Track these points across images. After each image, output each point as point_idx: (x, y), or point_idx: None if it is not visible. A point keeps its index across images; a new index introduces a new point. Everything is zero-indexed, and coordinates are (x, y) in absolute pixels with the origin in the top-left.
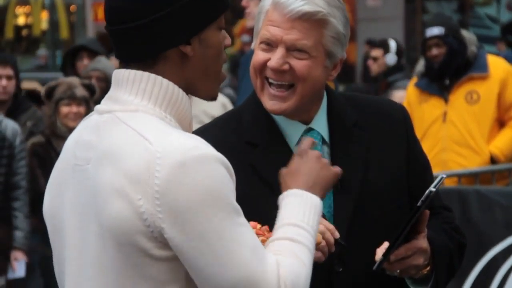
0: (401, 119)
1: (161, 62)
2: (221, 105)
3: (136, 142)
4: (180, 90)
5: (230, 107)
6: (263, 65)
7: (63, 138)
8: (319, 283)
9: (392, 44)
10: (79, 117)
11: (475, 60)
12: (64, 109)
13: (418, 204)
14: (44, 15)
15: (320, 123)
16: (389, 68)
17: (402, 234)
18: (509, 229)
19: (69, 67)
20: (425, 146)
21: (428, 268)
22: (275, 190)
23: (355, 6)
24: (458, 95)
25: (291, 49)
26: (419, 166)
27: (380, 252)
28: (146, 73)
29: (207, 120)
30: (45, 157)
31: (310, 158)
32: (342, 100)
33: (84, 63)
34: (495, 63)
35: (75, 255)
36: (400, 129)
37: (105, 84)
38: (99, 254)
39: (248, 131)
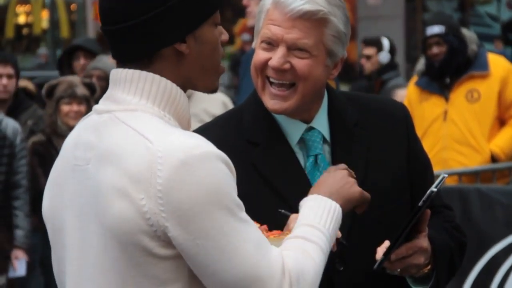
0: (402, 118)
1: (157, 61)
2: (221, 103)
3: (137, 141)
4: (178, 88)
5: (230, 105)
6: (264, 64)
7: (64, 136)
8: (321, 282)
9: (385, 42)
10: (80, 115)
11: (475, 59)
12: (65, 108)
13: (420, 204)
14: (45, 14)
15: (321, 122)
16: (383, 66)
17: (403, 233)
18: (510, 228)
19: (65, 67)
20: (426, 145)
21: (429, 267)
22: (275, 189)
23: (355, 4)
24: (459, 94)
25: (292, 48)
26: (420, 165)
27: (381, 251)
28: (144, 72)
29: (207, 119)
30: (45, 155)
31: (337, 173)
32: (343, 99)
33: (81, 62)
34: (496, 61)
35: (75, 255)
36: (401, 128)
37: (106, 83)
38: (100, 254)
39: (249, 130)
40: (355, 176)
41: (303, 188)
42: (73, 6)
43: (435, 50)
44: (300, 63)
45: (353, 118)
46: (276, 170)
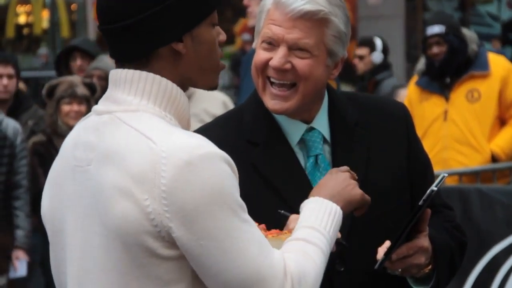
0: (402, 117)
1: (154, 60)
2: (222, 103)
3: (140, 142)
4: (178, 88)
5: (231, 105)
6: (265, 64)
7: (64, 136)
8: (321, 283)
9: (378, 43)
10: (80, 115)
11: (476, 58)
12: (65, 108)
13: (420, 203)
14: (45, 14)
15: (321, 122)
16: (376, 67)
17: (403, 233)
18: (510, 228)
19: (63, 68)
20: (426, 145)
21: (430, 267)
22: (276, 189)
23: (356, 4)
24: (459, 94)
25: (293, 48)
26: (420, 164)
27: (381, 251)
28: (144, 73)
29: (208, 119)
30: (46, 156)
31: (339, 175)
32: (343, 99)
33: (77, 63)
34: (496, 61)
35: (77, 256)
36: (401, 128)
37: (106, 83)
38: (103, 255)
39: (249, 130)
40: (357, 178)
41: (304, 188)
42: (73, 6)
43: (435, 49)
44: (301, 63)
45: (353, 118)
46: (277, 170)
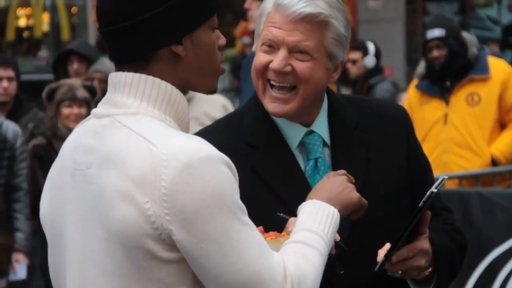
0: (401, 120)
1: (154, 63)
2: (222, 106)
3: (140, 145)
4: (178, 91)
5: (231, 108)
6: (265, 67)
7: (64, 139)
8: (321, 286)
9: (371, 47)
10: (80, 118)
11: (476, 62)
12: (65, 111)
13: (420, 205)
14: (45, 17)
15: (321, 125)
16: (369, 71)
17: (403, 235)
18: (510, 231)
19: (61, 71)
20: (426, 148)
21: (430, 269)
22: (276, 192)
23: (356, 7)
24: (459, 97)
25: (293, 50)
26: (419, 167)
27: (382, 253)
28: (143, 76)
29: (208, 122)
30: (46, 158)
31: (336, 179)
32: (342, 102)
33: (74, 67)
34: (496, 64)
35: (77, 259)
36: (401, 131)
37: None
38: (104, 258)
39: (249, 134)
40: (354, 181)
41: (303, 191)
42: (73, 9)
43: (435, 53)
44: (301, 66)
45: (353, 121)
46: (276, 173)
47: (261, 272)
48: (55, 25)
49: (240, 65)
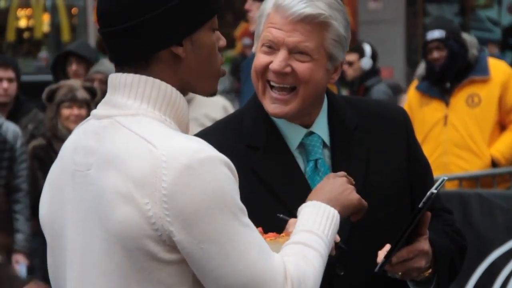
0: (401, 121)
1: (154, 64)
2: (222, 108)
3: (140, 146)
4: (178, 92)
5: (231, 110)
6: (265, 68)
7: (64, 140)
8: (321, 287)
9: (367, 48)
10: (80, 119)
11: (476, 63)
12: (65, 112)
13: (420, 205)
14: (46, 18)
15: (321, 126)
16: (365, 73)
17: (403, 236)
18: (510, 233)
19: (60, 72)
20: (426, 149)
21: (430, 270)
22: (275, 193)
23: (356, 9)
24: (459, 98)
25: (293, 51)
26: (419, 168)
27: (382, 254)
28: (143, 77)
29: (208, 123)
30: (46, 159)
31: (336, 180)
32: (342, 103)
33: (73, 68)
34: (496, 66)
35: (77, 260)
36: (401, 132)
37: None
38: (104, 259)
39: (249, 135)
40: (354, 183)
41: (303, 192)
42: (74, 10)
43: (435, 54)
44: (301, 67)
45: (352, 122)
46: (276, 174)
47: (262, 273)
48: (55, 26)
49: (240, 66)
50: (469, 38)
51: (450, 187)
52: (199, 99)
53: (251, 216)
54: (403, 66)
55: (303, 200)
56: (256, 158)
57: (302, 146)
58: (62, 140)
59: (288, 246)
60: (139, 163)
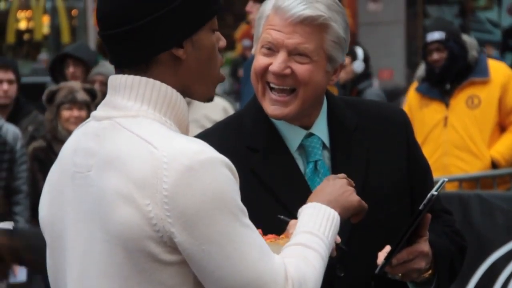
0: (401, 123)
1: (154, 66)
2: (222, 109)
3: (141, 147)
4: (178, 94)
5: (231, 111)
6: (265, 70)
7: (64, 142)
8: None
9: (359, 52)
10: (80, 121)
11: (476, 65)
12: (65, 113)
13: (420, 208)
14: (46, 20)
15: (321, 128)
16: (357, 76)
17: (403, 237)
18: (510, 234)
19: (58, 74)
20: (426, 151)
21: (430, 271)
22: (275, 195)
23: (356, 10)
24: (459, 100)
25: (293, 53)
26: (419, 169)
27: (382, 255)
28: (144, 78)
29: (208, 125)
30: (46, 161)
31: (336, 182)
32: (342, 104)
33: (70, 70)
34: (496, 67)
35: (77, 262)
36: (401, 133)
37: None
38: (105, 260)
39: (249, 136)
40: (354, 185)
41: (303, 194)
42: (74, 12)
43: (435, 56)
44: (301, 68)
45: (352, 123)
46: (276, 176)
47: (262, 274)
48: (55, 28)
49: (239, 67)
50: (469, 39)
51: (450, 188)
52: None
53: (251, 217)
54: (403, 68)
55: (303, 201)
56: (256, 159)
57: (302, 147)
58: (62, 142)
59: (289, 248)
60: (140, 164)
